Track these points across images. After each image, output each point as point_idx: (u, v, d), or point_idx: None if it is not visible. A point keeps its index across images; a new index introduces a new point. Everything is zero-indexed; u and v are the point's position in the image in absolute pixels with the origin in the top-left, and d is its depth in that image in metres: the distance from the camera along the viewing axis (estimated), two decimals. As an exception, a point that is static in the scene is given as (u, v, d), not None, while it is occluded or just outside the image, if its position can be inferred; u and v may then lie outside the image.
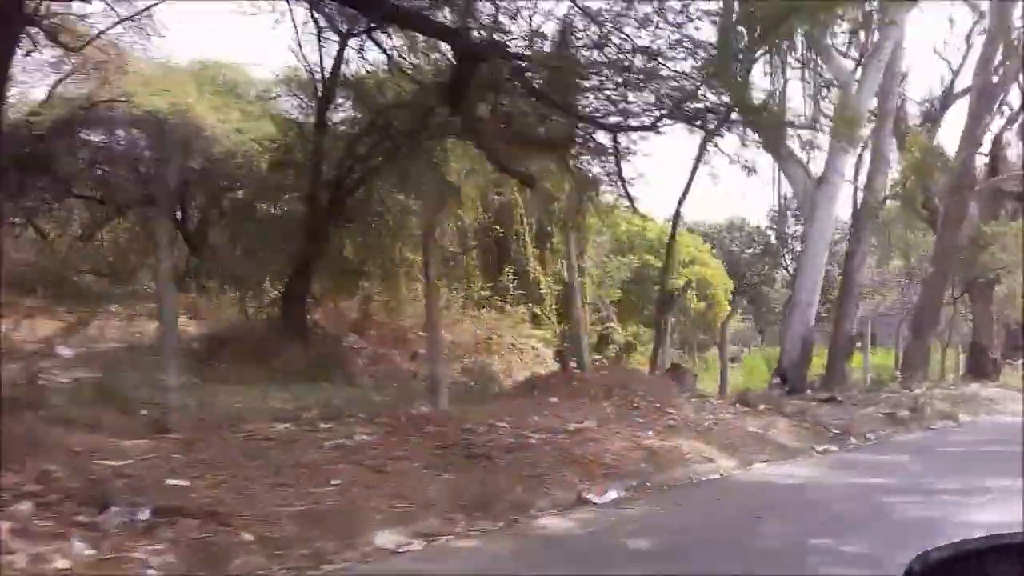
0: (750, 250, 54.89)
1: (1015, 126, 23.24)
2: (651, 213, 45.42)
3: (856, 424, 11.73)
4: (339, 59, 13.46)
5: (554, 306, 25.66)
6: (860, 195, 17.92)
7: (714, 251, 52.59)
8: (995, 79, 20.92)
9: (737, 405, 11.57)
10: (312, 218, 13.64)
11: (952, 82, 24.01)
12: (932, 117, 24.21)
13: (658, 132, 10.59)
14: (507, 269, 22.88)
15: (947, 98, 24.16)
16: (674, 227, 15.68)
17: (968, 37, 22.75)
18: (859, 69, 16.08)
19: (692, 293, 41.73)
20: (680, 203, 14.51)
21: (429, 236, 12.08)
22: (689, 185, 13.78)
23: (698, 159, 13.19)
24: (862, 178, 18.43)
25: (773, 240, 53.69)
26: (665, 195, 76.41)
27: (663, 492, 6.93)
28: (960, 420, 14.42)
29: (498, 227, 22.75)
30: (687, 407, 10.51)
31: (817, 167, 16.03)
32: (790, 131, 14.24)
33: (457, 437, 6.91)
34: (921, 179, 17.24)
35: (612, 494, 6.44)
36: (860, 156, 18.54)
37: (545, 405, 9.24)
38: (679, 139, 52.31)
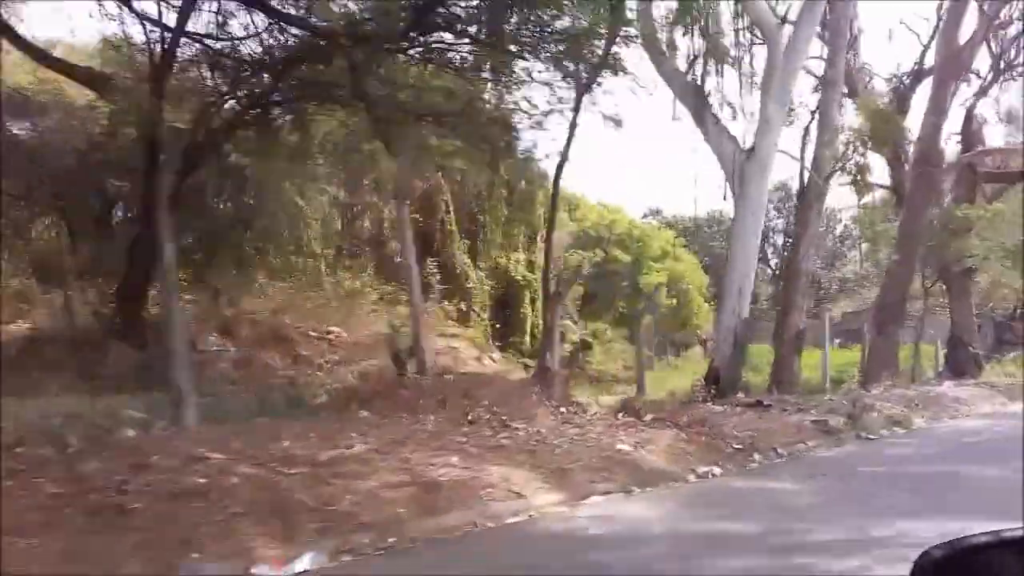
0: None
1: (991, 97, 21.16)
2: (623, 206, 43.34)
3: (770, 436, 9.63)
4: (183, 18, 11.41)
5: (488, 303, 23.53)
6: (808, 174, 15.80)
7: (692, 247, 50.64)
8: (961, 41, 18.81)
9: (620, 415, 9.45)
10: (149, 201, 11.58)
11: (923, 55, 21.95)
12: (902, 94, 22.12)
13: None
14: (431, 262, 20.79)
15: (918, 73, 22.06)
16: (554, 196, 13.42)
17: (939, 8, 20.71)
18: (787, 26, 13.96)
19: (663, 288, 39.71)
20: (560, 167, 12.37)
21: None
22: (569, 142, 11.60)
23: (576, 107, 11.11)
24: (812, 155, 16.30)
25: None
26: (643, 191, 73.88)
27: (403, 552, 4.82)
28: (912, 426, 12.32)
29: (419, 216, 20.65)
30: (547, 420, 8.42)
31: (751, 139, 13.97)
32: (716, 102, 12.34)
33: (110, 479, 4.80)
34: (869, 149, 15.10)
35: (302, 564, 4.33)
36: (807, 129, 16.45)
37: (339, 422, 7.13)
38: (657, 134, 50.21)
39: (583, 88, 10.66)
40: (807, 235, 16.30)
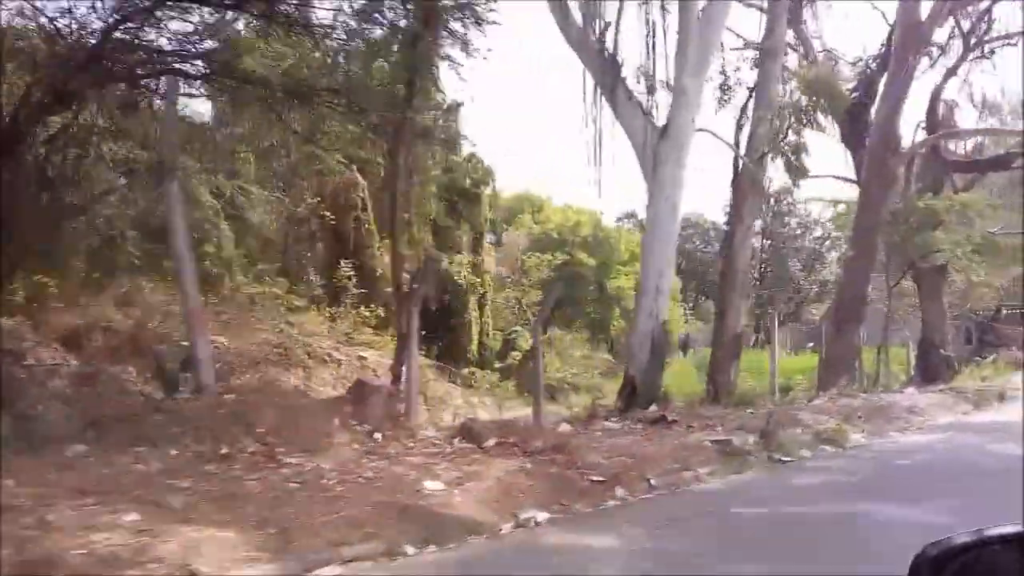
0: (708, 247, 51.21)
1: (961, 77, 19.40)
2: (590, 209, 41.40)
3: (650, 463, 7.82)
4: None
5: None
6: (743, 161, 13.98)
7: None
8: (924, 13, 17.09)
9: (456, 441, 7.62)
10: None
11: (889, 36, 20.18)
12: (869, 79, 20.34)
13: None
14: (345, 264, 18.95)
15: (886, 56, 20.30)
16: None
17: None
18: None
19: (630, 292, 37.99)
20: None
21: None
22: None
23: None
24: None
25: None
26: (621, 194, 72.12)
27: None
28: (845, 444, 10.50)
29: (329, 213, 18.81)
30: (346, 451, 6.59)
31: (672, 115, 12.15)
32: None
33: None
34: (807, 126, 13.30)
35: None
36: (744, 109, 14.66)
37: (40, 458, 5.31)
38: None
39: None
40: (742, 227, 14.52)
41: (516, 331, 28.91)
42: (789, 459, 9.18)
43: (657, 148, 11.90)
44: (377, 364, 17.40)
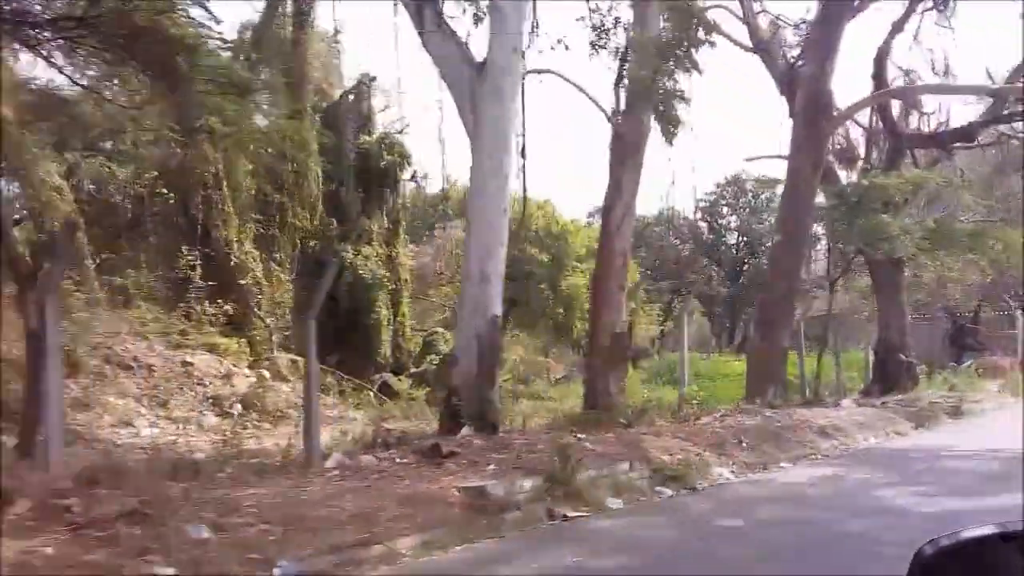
0: (685, 245, 48.36)
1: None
2: (550, 201, 38.50)
3: (326, 531, 5.03)
4: None
5: (283, 309, 18.80)
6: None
7: (637, 247, 45.91)
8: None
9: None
10: None
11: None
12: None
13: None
14: (191, 252, 16.15)
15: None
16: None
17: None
18: None
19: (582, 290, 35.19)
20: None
21: None
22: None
23: None
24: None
25: (707, 233, 47.34)
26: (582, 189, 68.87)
27: None
28: (702, 482, 7.72)
29: (169, 191, 16.00)
30: None
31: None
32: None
33: None
34: (686, 69, 10.37)
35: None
36: (623, 55, 11.79)
37: None
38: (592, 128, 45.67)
39: None
40: (621, 201, 11.72)
41: (437, 332, 26.15)
42: (579, 514, 6.37)
43: (475, 90, 9.11)
44: (211, 371, 14.66)
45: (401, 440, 8.84)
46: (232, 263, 16.60)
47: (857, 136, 20.58)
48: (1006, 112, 16.21)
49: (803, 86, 14.42)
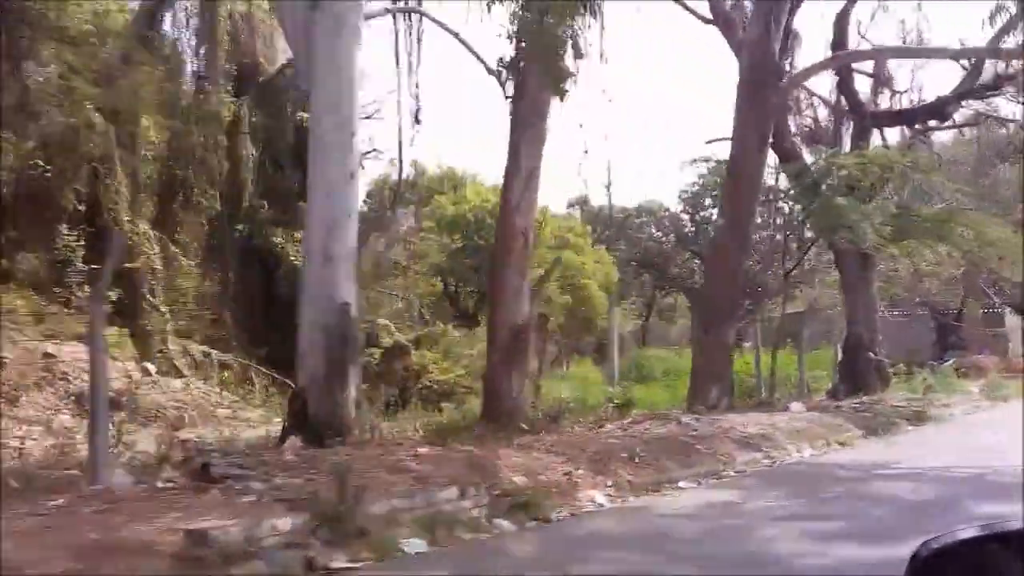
0: (668, 237, 46.53)
1: None
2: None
3: None
4: None
5: (186, 297, 17.13)
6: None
7: (616, 239, 44.36)
8: None
9: None
10: None
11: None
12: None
13: None
14: (72, 232, 14.52)
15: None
16: None
17: None
18: None
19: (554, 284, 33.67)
20: None
21: None
22: None
23: None
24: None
25: (689, 225, 45.60)
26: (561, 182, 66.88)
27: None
28: (498, 531, 6.05)
29: (43, 163, 14.35)
30: None
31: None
32: None
33: None
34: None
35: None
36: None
37: None
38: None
39: None
40: (520, 171, 10.10)
41: (379, 323, 24.47)
42: (351, 565, 4.76)
43: (310, 27, 7.49)
44: (80, 365, 13.04)
45: (217, 451, 7.26)
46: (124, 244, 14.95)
47: (826, 117, 19.07)
48: (980, 84, 14.54)
49: (747, 51, 12.79)
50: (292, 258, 20.73)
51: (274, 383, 16.60)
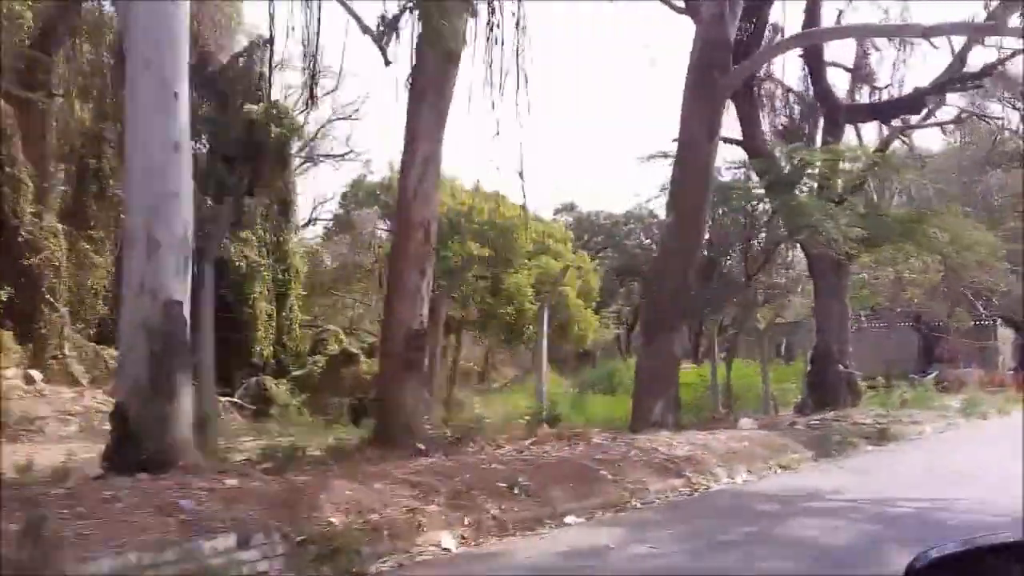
0: (656, 245, 45.25)
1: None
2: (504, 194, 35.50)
3: None
4: None
5: (95, 297, 15.85)
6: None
7: (605, 246, 43.34)
8: None
9: None
10: None
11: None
12: None
13: None
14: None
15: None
16: None
17: None
18: None
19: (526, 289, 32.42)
20: None
21: None
22: None
23: None
24: None
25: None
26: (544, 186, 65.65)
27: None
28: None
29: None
30: None
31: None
32: None
33: None
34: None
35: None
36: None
37: None
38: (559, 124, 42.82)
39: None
40: (418, 155, 8.88)
41: (328, 329, 23.22)
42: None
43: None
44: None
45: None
46: (21, 239, 13.77)
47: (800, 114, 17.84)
48: (962, 74, 13.27)
49: (700, 31, 11.57)
50: (238, 262, 19.57)
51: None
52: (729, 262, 17.26)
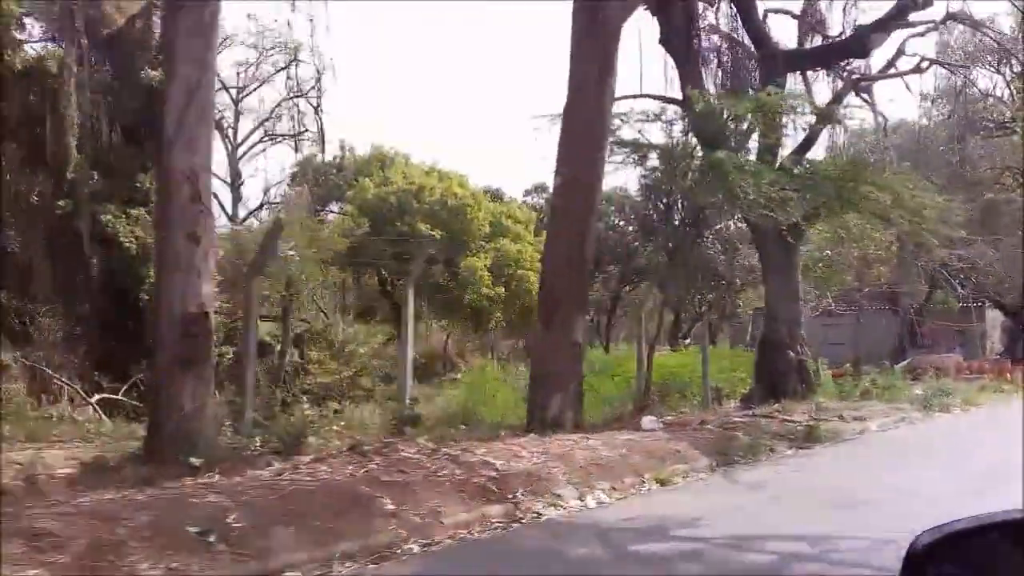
0: (631, 228, 43.26)
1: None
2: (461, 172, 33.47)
3: None
4: None
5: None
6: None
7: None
8: None
9: None
10: None
11: None
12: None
13: None
14: None
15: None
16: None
17: None
18: None
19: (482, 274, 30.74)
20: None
21: None
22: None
23: None
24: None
25: (652, 213, 42.30)
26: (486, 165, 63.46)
27: None
28: None
29: None
30: None
31: None
32: None
33: None
34: None
35: None
36: None
37: None
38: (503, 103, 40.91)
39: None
40: (178, 75, 6.88)
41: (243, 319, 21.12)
42: None
43: None
44: None
45: None
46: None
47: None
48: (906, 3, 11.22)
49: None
50: (127, 241, 17.51)
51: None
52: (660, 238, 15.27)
